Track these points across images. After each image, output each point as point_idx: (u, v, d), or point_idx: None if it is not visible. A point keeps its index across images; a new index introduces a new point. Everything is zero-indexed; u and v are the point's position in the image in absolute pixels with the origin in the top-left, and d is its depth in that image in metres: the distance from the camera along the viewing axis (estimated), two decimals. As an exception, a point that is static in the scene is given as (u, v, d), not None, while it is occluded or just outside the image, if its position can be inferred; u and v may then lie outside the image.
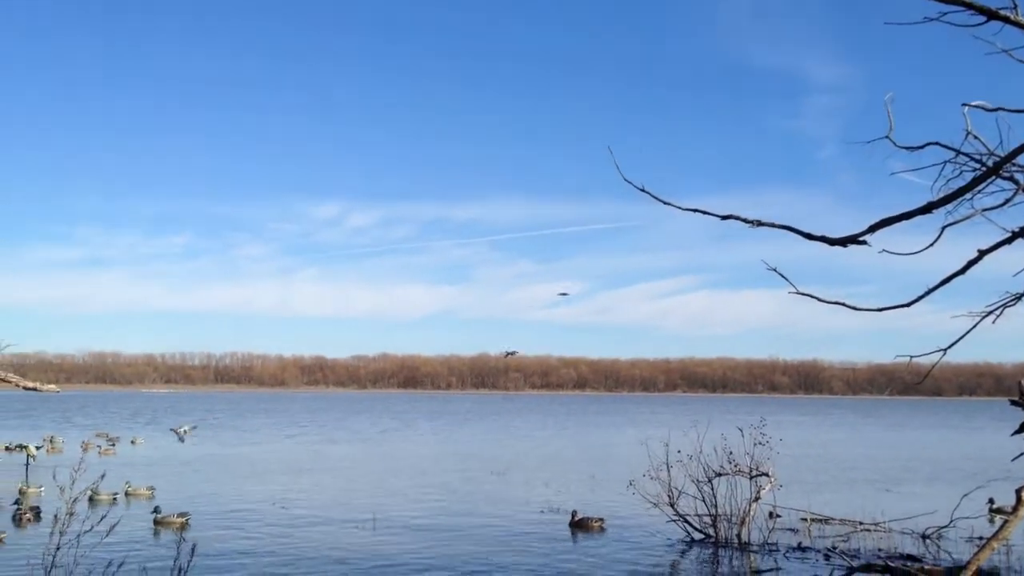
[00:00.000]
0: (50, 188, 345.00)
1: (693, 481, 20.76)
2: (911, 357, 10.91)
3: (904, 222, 9.64)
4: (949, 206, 9.74)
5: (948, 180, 10.34)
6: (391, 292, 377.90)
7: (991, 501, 23.57)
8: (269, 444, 54.02)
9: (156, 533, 20.94)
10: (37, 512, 22.77)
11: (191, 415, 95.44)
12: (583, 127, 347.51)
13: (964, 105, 10.59)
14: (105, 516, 9.10)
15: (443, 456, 46.30)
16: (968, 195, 9.78)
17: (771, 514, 21.86)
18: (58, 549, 8.17)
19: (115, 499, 26.05)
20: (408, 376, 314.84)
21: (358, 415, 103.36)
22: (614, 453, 48.70)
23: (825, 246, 10.13)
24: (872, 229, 9.76)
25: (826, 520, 22.49)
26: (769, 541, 20.05)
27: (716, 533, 20.39)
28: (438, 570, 17.34)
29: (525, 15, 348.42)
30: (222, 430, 69.68)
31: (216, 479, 33.49)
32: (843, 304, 11.02)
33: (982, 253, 10.11)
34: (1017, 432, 11.98)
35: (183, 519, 21.92)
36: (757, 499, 20.65)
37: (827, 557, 18.47)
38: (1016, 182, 10.31)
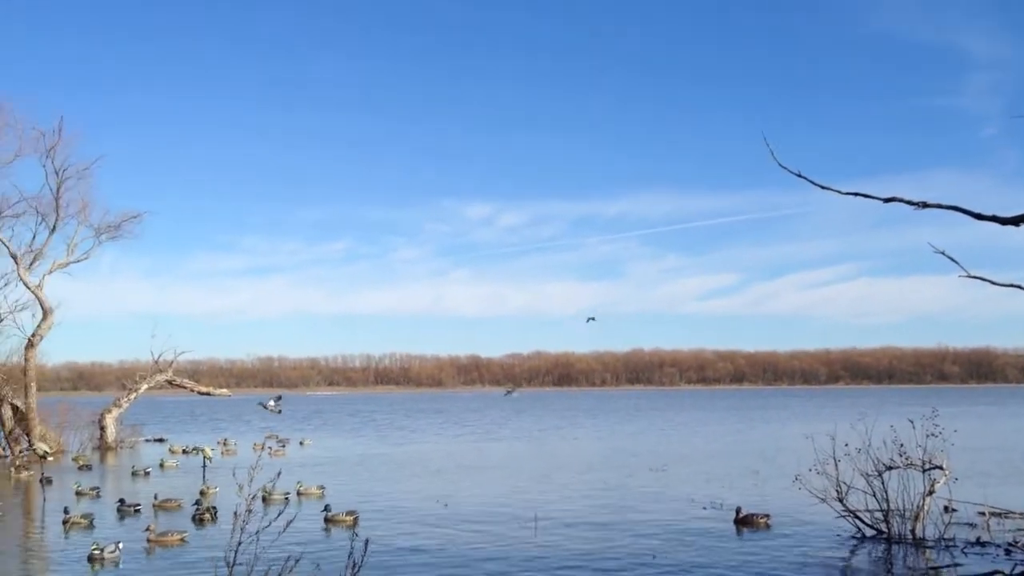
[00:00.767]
0: (217, 199, 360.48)
1: (862, 475, 20.13)
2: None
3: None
4: None
5: None
6: (543, 290, 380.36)
7: None
8: (434, 443, 55.06)
9: (327, 531, 21.61)
10: (214, 512, 23.83)
11: (357, 417, 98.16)
12: (732, 115, 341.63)
13: None
14: (280, 514, 9.42)
15: (602, 453, 46.25)
16: None
17: (946, 508, 20.94)
18: (239, 545, 8.53)
19: (287, 498, 26.99)
20: (562, 373, 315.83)
21: (520, 413, 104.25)
22: (777, 447, 47.64)
23: (995, 226, 9.69)
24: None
25: (1005, 514, 21.50)
26: (945, 536, 19.21)
27: (888, 529, 19.71)
28: (602, 567, 17.32)
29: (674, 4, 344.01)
30: (388, 430, 71.43)
31: (384, 478, 34.34)
32: (1018, 286, 10.51)
33: None
34: None
35: (352, 517, 22.55)
36: (931, 493, 19.87)
37: (1008, 552, 17.65)
38: None
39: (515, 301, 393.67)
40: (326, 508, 23.11)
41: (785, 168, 10.50)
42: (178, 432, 69.71)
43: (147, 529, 20.40)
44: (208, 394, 56.33)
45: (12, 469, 37.28)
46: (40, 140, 48.82)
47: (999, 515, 21.36)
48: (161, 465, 39.45)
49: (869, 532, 19.97)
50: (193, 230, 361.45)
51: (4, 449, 45.52)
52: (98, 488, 29.93)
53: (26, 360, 47.42)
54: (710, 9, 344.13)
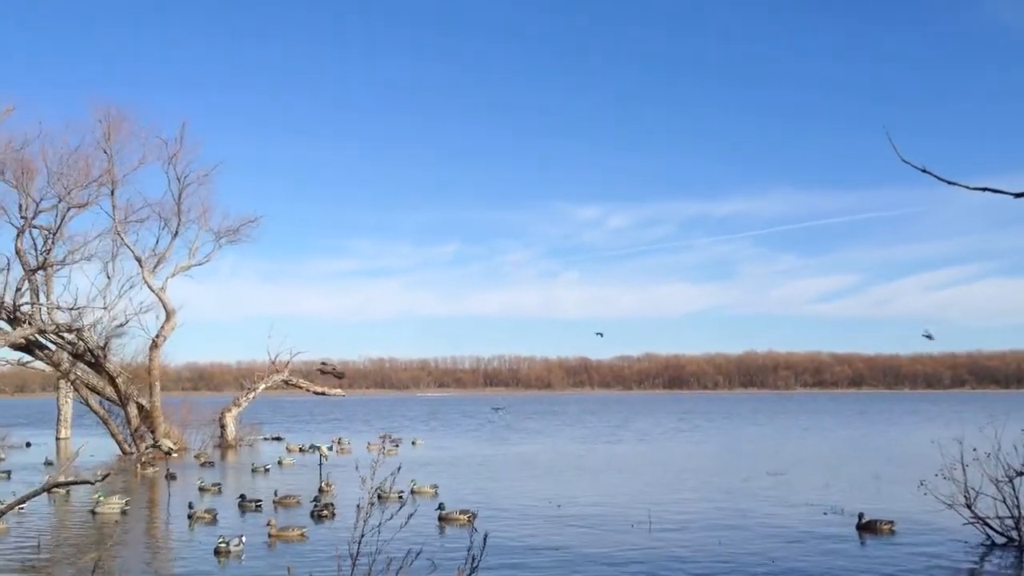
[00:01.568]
0: (329, 203, 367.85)
1: (992, 481, 19.32)
2: None
3: None
4: None
5: None
6: (653, 291, 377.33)
7: None
8: (546, 443, 55.05)
9: (441, 529, 21.76)
10: (332, 508, 24.21)
11: (475, 417, 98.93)
12: (848, 110, 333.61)
13: None
14: (398, 511, 9.48)
15: (718, 456, 45.61)
16: None
17: (1085, 516, 20.00)
18: (362, 537, 8.60)
19: (401, 497, 27.22)
20: (673, 376, 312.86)
21: (639, 415, 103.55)
22: (900, 452, 46.24)
23: None
24: None
25: None
26: (1081, 546, 18.34)
27: (1019, 536, 18.89)
28: (717, 571, 17.02)
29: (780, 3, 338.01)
30: (502, 430, 71.79)
31: (497, 478, 34.52)
32: None
33: None
34: None
35: (466, 515, 22.64)
36: (1067, 500, 18.97)
37: None
38: None
39: (625, 303, 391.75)
40: (440, 506, 23.28)
41: (908, 163, 10.03)
42: (295, 431, 71.27)
43: (268, 524, 20.85)
44: (323, 394, 57.41)
45: (138, 465, 38.55)
46: (163, 147, 50.60)
47: None
48: (279, 463, 40.36)
49: (999, 540, 19.16)
50: (308, 233, 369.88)
51: (130, 446, 47.11)
52: (220, 484, 30.78)
53: (150, 360, 49.02)
54: (825, 5, 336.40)
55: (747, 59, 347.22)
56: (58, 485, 15.96)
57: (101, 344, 45.82)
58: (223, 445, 51.23)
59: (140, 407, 47.88)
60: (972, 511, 19.44)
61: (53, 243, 46.37)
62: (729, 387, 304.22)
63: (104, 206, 48.92)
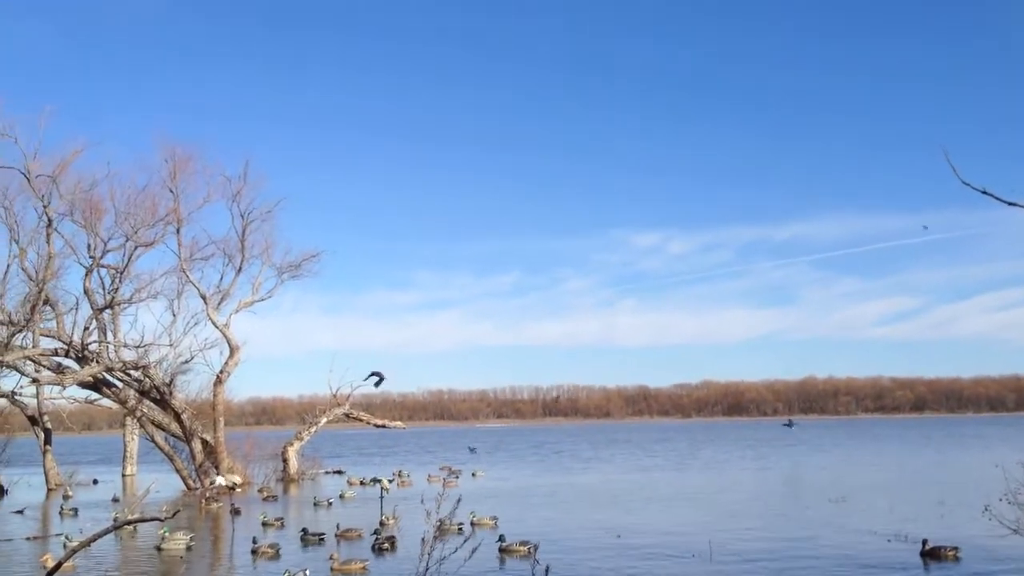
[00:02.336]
0: (391, 236, 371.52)
1: (1058, 505, 19.09)
2: None
3: None
4: None
5: None
6: (712, 318, 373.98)
7: None
8: (606, 472, 54.91)
9: (502, 561, 21.91)
10: (394, 541, 24.47)
11: (539, 450, 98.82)
12: (909, 134, 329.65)
13: None
14: (461, 545, 9.68)
15: (779, 483, 45.22)
16: None
17: None
18: (427, 570, 8.80)
19: (460, 529, 27.36)
20: (732, 403, 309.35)
21: (701, 443, 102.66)
22: (963, 477, 45.47)
23: None
24: None
25: None
26: None
27: (1090, 562, 18.61)
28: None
29: (837, 19, 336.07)
30: (563, 459, 71.69)
31: (557, 508, 34.63)
32: None
33: None
34: None
35: (526, 547, 22.76)
36: None
37: None
38: None
39: (683, 330, 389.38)
40: (500, 538, 23.42)
41: (968, 185, 10.14)
42: (356, 464, 71.77)
43: (330, 558, 21.17)
44: (383, 427, 57.84)
45: (203, 500, 39.18)
46: (227, 185, 51.47)
47: None
48: (341, 496, 40.76)
49: (1068, 566, 18.91)
50: (370, 267, 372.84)
51: (195, 482, 47.82)
52: (282, 518, 31.18)
53: (215, 396, 49.72)
54: (884, 21, 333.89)
55: (804, 84, 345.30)
56: (129, 522, 16.33)
57: (167, 381, 46.63)
58: (286, 479, 51.74)
59: (204, 443, 48.54)
60: (1038, 536, 19.21)
61: (120, 282, 47.47)
62: (789, 413, 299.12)
63: (170, 244, 49.73)
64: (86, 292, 46.79)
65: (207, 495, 40.87)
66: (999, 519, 19.62)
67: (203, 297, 49.94)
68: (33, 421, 55.23)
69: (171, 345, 47.15)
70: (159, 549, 24.78)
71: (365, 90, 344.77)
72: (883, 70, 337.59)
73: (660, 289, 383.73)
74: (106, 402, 49.42)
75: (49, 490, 50.89)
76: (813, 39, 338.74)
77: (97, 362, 45.10)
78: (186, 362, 47.85)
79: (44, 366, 46.27)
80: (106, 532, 16.76)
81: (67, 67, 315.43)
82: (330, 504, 37.24)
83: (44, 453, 54.87)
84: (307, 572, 19.10)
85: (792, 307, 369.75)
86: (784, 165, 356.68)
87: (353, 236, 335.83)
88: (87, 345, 45.48)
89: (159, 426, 49.48)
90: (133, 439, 61.60)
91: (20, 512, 37.59)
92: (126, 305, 48.39)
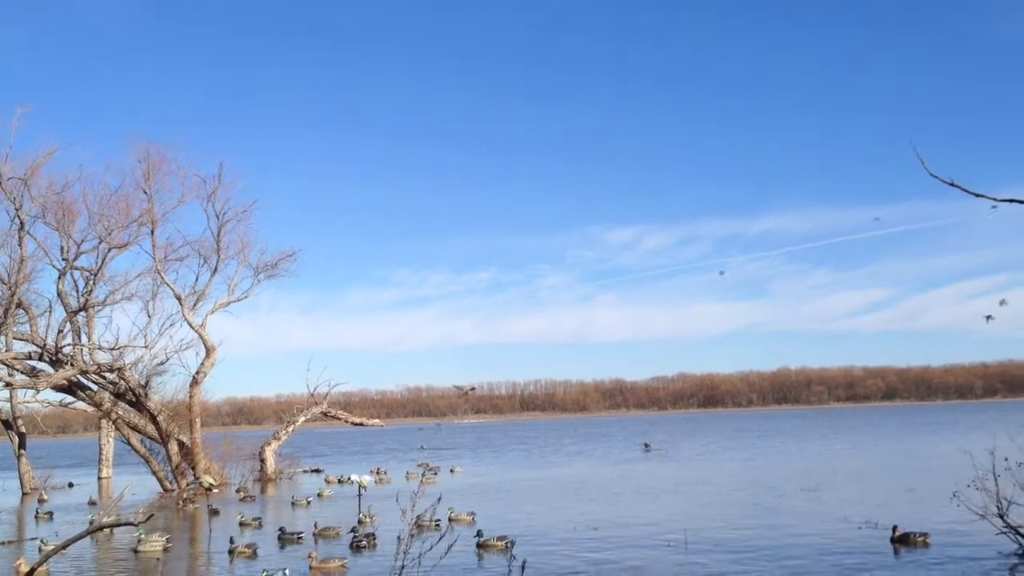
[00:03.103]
0: (371, 236, 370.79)
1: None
2: None
3: None
4: None
5: None
6: (687, 311, 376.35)
7: None
8: (581, 467, 55.17)
9: (480, 556, 22.10)
10: (372, 539, 24.61)
11: (518, 444, 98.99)
12: (879, 126, 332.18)
13: None
14: (437, 541, 9.86)
15: (753, 474, 45.60)
16: None
17: (1118, 524, 20.08)
18: (403, 568, 8.95)
19: (438, 524, 27.55)
20: (707, 395, 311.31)
21: (677, 435, 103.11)
22: (932, 464, 46.12)
23: None
24: None
25: None
26: (1117, 552, 18.44)
27: (1054, 545, 19.01)
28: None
29: (820, 16, 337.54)
30: (539, 454, 71.91)
31: (534, 503, 34.82)
32: None
33: None
34: None
35: (504, 542, 22.96)
36: (1100, 507, 19.08)
37: None
38: None
39: (659, 324, 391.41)
40: (478, 534, 23.61)
41: (936, 177, 10.41)
42: (334, 462, 71.76)
43: (309, 556, 21.27)
44: (361, 424, 57.85)
45: (180, 501, 39.16)
46: (202, 186, 51.22)
47: None
48: (319, 495, 40.85)
49: (1033, 549, 19.30)
50: (348, 266, 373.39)
51: (171, 483, 47.70)
52: (260, 518, 31.23)
53: (191, 397, 49.55)
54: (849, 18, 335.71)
55: (773, 77, 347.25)
56: (104, 526, 16.36)
57: (142, 383, 46.43)
58: (263, 479, 51.69)
59: (181, 444, 48.39)
60: (1005, 521, 19.61)
61: (94, 284, 47.30)
62: (763, 404, 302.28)
63: (144, 246, 49.53)
64: (59, 295, 46.54)
65: (184, 496, 40.82)
66: (967, 505, 20.01)
67: (178, 298, 49.76)
68: (7, 425, 54.87)
69: (146, 347, 46.98)
70: (136, 552, 24.76)
71: (342, 90, 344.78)
72: (850, 60, 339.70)
73: (636, 283, 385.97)
74: (81, 405, 49.12)
75: (24, 494, 50.62)
76: (781, 29, 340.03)
77: (71, 365, 44.88)
78: (161, 364, 47.62)
79: (18, 370, 45.93)
80: (81, 536, 16.87)
81: (40, 70, 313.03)
82: (308, 503, 37.30)
83: (18, 457, 54.53)
84: (287, 571, 19.20)
85: (766, 299, 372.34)
86: (758, 159, 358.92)
87: (331, 236, 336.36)
88: (61, 348, 45.26)
89: (135, 428, 49.27)
90: (109, 442, 61.31)
91: (-5, 517, 37.48)
92: (100, 307, 48.23)
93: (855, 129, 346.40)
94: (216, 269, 51.51)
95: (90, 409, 50.02)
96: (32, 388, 46.39)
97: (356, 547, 23.98)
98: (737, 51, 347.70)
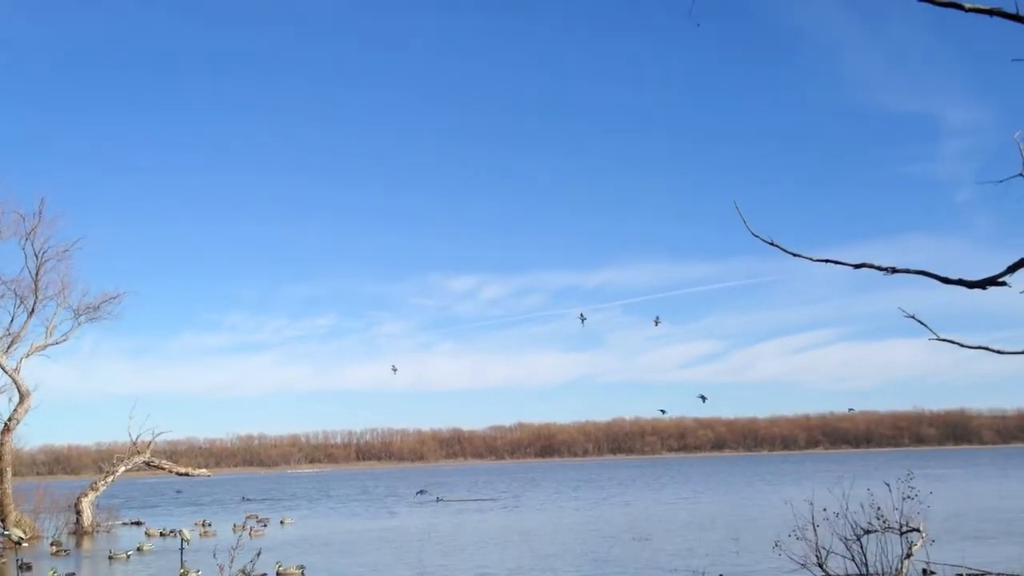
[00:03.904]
0: (204, 278, 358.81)
1: (841, 539, 20.18)
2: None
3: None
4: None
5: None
6: (525, 361, 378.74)
7: None
8: (414, 517, 54.53)
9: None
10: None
11: (341, 494, 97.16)
12: (708, 189, 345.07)
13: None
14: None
15: (584, 523, 46.03)
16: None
17: (925, 571, 21.11)
18: (221, 627, 8.56)
19: (266, 579, 26.69)
20: (544, 445, 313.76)
21: (523, 486, 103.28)
22: (757, 514, 47.62)
23: (964, 290, 9.95)
24: (1012, 269, 9.53)
25: (983, 575, 21.55)
26: (925, 599, 19.27)
27: (869, 593, 19.73)
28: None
29: (644, 79, 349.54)
30: (370, 505, 70.81)
31: (362, 554, 34.08)
32: (987, 348, 10.71)
33: None
34: None
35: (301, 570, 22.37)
36: (909, 555, 19.93)
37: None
38: None
39: (498, 373, 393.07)
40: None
41: (757, 236, 10.74)
42: (156, 515, 68.84)
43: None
44: (187, 475, 55.73)
45: (-13, 556, 36.76)
46: (20, 223, 48.81)
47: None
48: (139, 549, 38.94)
49: (850, 597, 19.99)
50: (179, 310, 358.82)
51: (-21, 536, 44.82)
52: (74, 573, 29.70)
53: (1, 445, 46.85)
54: (688, 78, 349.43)
55: (618, 140, 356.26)
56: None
57: (-52, 429, 43.67)
58: (79, 532, 49.00)
59: (-11, 495, 45.65)
60: (824, 569, 20.23)
61: None
62: (599, 454, 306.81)
63: (-46, 285, 46.86)
64: None
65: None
66: (788, 554, 20.58)
67: (-9, 340, 47.19)
68: None
69: (-46, 391, 44.31)
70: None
71: (175, 126, 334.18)
72: (682, 125, 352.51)
73: (475, 332, 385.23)
74: None
75: None
76: (646, 82, 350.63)
77: None
78: (-30, 409, 45.00)
79: None
80: None
81: None
82: (128, 557, 35.56)
83: None
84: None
85: (602, 350, 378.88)
86: (598, 214, 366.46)
87: (165, 279, 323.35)
88: None
89: (-60, 477, 46.17)
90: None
91: None
92: (-96, 347, 45.21)
93: (684, 189, 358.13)
94: (33, 310, 49.10)
95: None
96: None
97: (177, 604, 22.96)
98: (581, 104, 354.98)
